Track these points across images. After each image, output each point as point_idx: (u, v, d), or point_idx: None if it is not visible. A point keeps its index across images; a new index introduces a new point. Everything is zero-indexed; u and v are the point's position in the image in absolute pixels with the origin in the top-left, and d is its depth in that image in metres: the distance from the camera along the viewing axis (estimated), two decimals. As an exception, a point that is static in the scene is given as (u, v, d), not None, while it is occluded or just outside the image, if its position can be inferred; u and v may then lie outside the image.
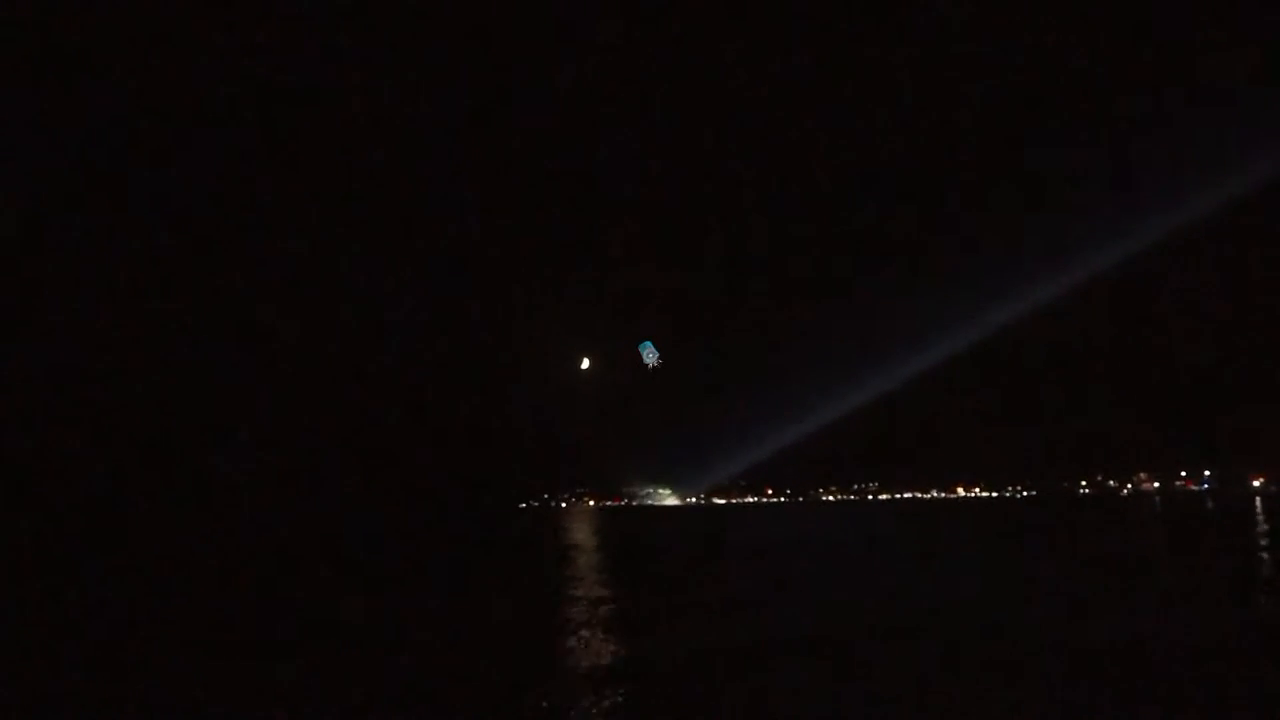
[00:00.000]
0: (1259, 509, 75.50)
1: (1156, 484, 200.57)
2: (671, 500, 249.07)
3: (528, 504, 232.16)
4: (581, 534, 61.89)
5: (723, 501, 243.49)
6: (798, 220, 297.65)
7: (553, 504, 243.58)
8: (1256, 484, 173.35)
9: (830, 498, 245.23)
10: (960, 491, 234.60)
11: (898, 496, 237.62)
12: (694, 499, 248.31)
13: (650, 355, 16.11)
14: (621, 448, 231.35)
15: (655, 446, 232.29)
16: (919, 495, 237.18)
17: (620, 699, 10.29)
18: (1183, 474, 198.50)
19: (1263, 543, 34.84)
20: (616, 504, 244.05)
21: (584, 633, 14.80)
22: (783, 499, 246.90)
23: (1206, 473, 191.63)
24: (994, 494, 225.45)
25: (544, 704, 10.10)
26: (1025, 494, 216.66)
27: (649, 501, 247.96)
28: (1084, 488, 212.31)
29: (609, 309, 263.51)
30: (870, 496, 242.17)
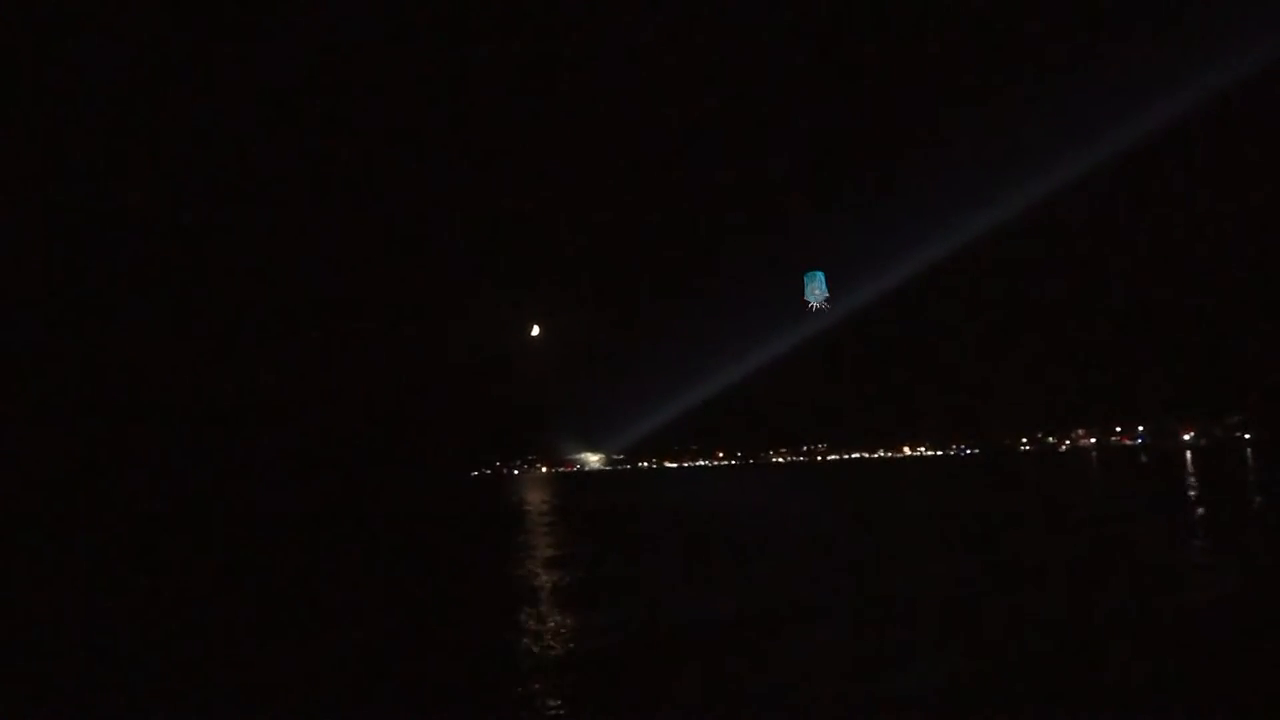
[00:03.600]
0: (1188, 460, 79.41)
1: (1094, 439, 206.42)
2: (597, 463, 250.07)
3: (480, 472, 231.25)
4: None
5: (674, 465, 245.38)
6: (729, 167, 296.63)
7: (505, 471, 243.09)
8: (1187, 437, 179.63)
9: (780, 459, 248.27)
10: (906, 451, 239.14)
11: (846, 457, 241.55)
12: (646, 463, 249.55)
13: (817, 294, 15.38)
14: (568, 413, 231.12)
15: (599, 410, 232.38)
16: (866, 455, 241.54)
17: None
18: (1118, 429, 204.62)
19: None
20: (569, 471, 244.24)
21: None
22: (733, 461, 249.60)
23: (1140, 428, 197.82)
24: (939, 452, 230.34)
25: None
26: (969, 451, 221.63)
27: (588, 466, 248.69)
28: (1025, 444, 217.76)
29: (554, 276, 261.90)
30: (819, 458, 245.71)
